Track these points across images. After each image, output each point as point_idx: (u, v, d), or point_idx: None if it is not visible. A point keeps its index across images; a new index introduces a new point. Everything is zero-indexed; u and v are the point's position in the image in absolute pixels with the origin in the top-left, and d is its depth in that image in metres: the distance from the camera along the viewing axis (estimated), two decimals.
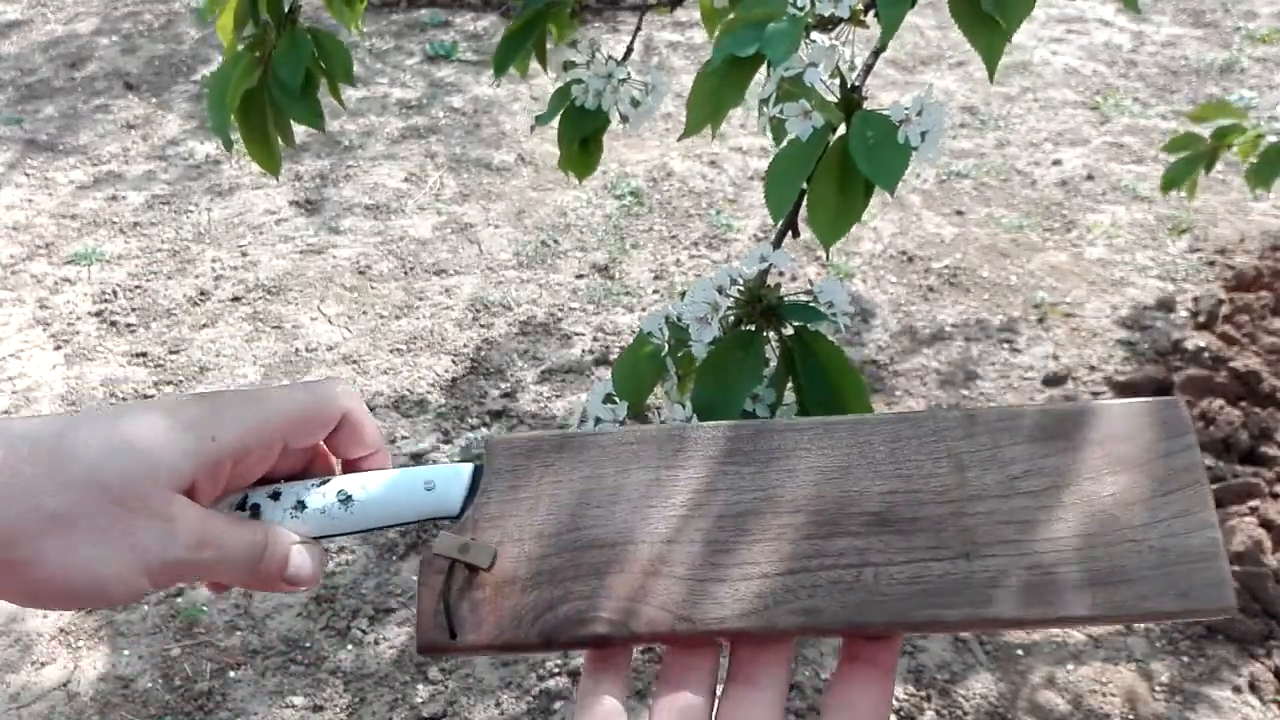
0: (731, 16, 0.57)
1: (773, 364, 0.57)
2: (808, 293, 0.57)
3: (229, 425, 0.43)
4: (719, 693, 0.44)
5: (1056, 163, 3.12)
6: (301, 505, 0.46)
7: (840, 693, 0.42)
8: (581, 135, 0.93)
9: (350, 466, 0.49)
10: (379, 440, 0.48)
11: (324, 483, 0.47)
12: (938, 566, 0.42)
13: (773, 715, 0.41)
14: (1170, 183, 1.82)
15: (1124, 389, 2.20)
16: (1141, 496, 0.42)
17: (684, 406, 0.55)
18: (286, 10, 1.00)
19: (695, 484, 0.44)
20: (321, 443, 0.48)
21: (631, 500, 0.44)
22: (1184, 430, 0.44)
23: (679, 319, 0.55)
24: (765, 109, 0.57)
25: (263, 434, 0.44)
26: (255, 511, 0.46)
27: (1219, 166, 2.60)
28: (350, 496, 0.46)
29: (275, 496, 0.46)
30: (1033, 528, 0.42)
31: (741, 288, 0.56)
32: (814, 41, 0.54)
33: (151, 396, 2.28)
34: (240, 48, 1.00)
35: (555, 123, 0.95)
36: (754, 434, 0.45)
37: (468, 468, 0.46)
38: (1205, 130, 1.83)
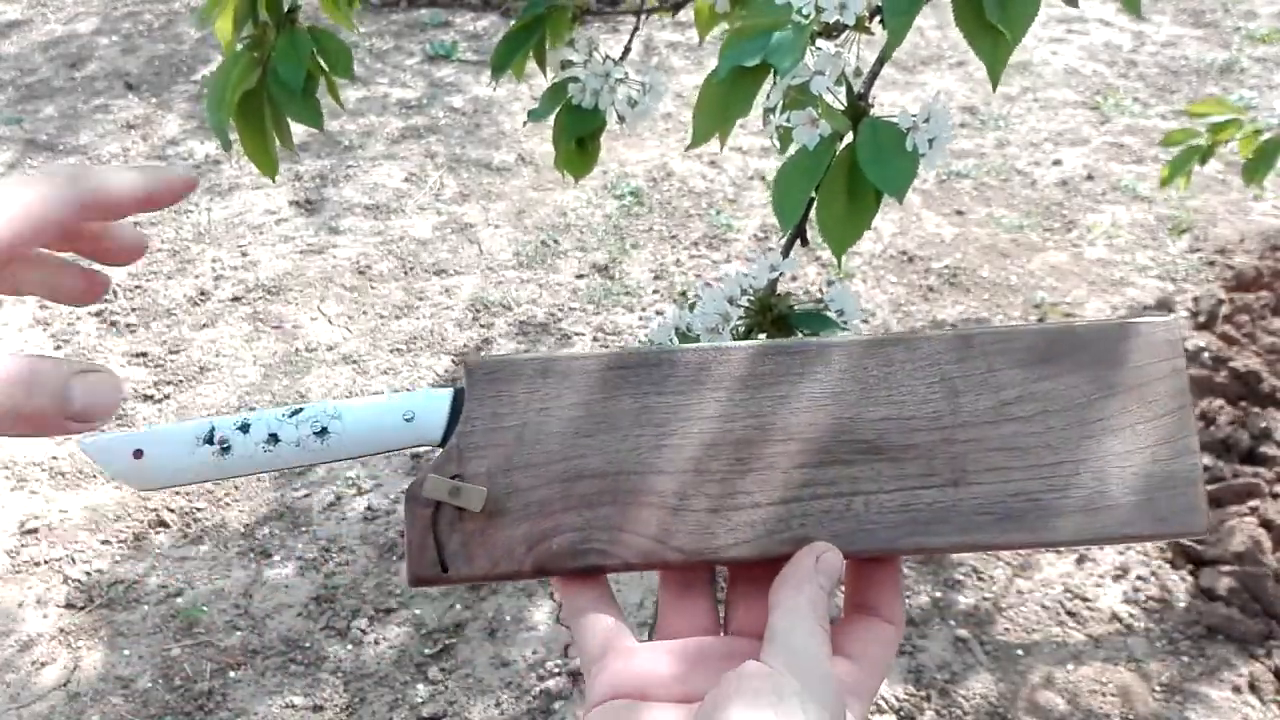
0: (737, 25, 0.57)
1: None
2: (817, 300, 0.57)
3: None
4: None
5: (1056, 163, 3.12)
6: (274, 438, 0.44)
7: (845, 642, 0.42)
8: (578, 135, 0.93)
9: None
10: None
11: (296, 412, 0.45)
12: (927, 494, 0.43)
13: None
14: (1168, 178, 1.83)
15: None
16: (1129, 422, 0.43)
17: None
18: (286, 10, 1.00)
19: (686, 411, 0.43)
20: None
21: (621, 428, 0.43)
22: (1174, 354, 0.44)
23: (689, 329, 0.55)
24: (772, 117, 0.57)
25: (16, 233, 0.35)
26: (225, 446, 0.43)
27: (1219, 167, 2.60)
28: (326, 429, 0.44)
29: (244, 429, 0.44)
30: (1022, 454, 0.43)
31: (752, 297, 0.56)
32: (820, 49, 0.55)
33: (151, 396, 2.28)
34: (239, 48, 1.00)
35: (552, 121, 0.95)
36: (745, 358, 0.44)
37: (447, 394, 0.45)
38: (1202, 126, 1.84)
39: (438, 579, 0.43)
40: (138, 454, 0.44)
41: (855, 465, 0.43)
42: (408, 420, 0.44)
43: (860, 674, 0.41)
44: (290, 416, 0.44)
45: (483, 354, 0.45)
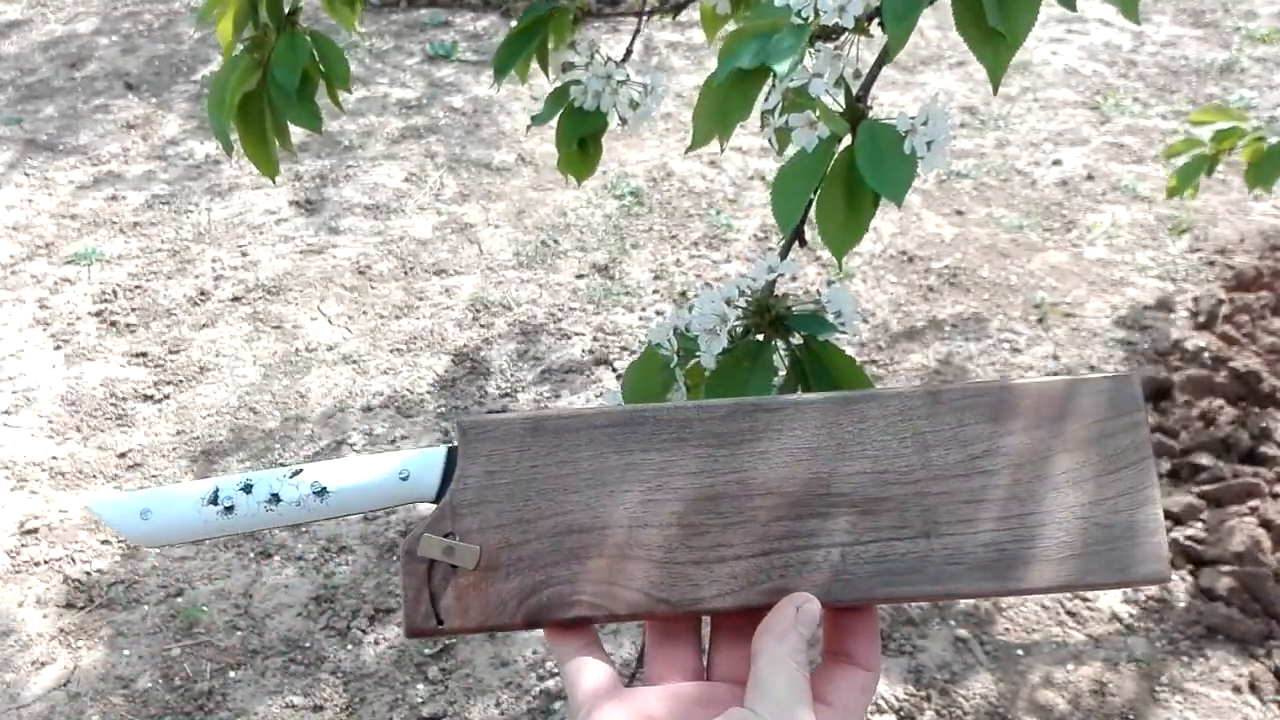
0: (736, 27, 0.57)
1: (781, 374, 0.58)
2: (815, 302, 0.57)
3: None
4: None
5: (1056, 163, 3.12)
6: (275, 498, 0.46)
7: (824, 689, 0.43)
8: (580, 136, 0.93)
9: None
10: None
11: (296, 473, 0.47)
12: (900, 545, 0.44)
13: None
14: (1175, 189, 1.83)
15: None
16: (1091, 474, 0.45)
17: None
18: (286, 12, 1.00)
19: (670, 468, 0.45)
20: None
21: (608, 484, 0.45)
22: (1134, 408, 0.46)
23: (687, 330, 0.55)
24: (771, 120, 0.57)
25: None
26: (228, 507, 0.46)
27: (1220, 167, 2.60)
28: (325, 489, 0.46)
29: (247, 490, 0.46)
30: (990, 507, 0.45)
31: (749, 299, 0.56)
32: (818, 52, 0.55)
33: (151, 396, 2.29)
34: (239, 50, 1.00)
35: (554, 123, 0.95)
36: (725, 416, 0.46)
37: (440, 453, 0.47)
38: (1205, 133, 1.84)
39: (433, 631, 0.45)
40: (145, 515, 0.46)
41: (832, 518, 0.44)
42: (403, 479, 0.46)
43: (839, 718, 0.42)
44: (291, 477, 0.47)
45: (476, 417, 0.47)
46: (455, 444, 0.47)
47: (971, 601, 1.77)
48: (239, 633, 1.76)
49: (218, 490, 0.46)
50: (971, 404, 0.46)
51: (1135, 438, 0.45)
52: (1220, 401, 2.06)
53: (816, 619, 0.43)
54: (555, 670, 1.67)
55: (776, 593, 0.44)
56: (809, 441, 0.45)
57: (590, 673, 0.44)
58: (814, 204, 0.57)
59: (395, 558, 1.88)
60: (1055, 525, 0.44)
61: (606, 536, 0.45)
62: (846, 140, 0.56)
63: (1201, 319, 2.38)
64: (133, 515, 0.46)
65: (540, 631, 1.83)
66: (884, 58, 0.56)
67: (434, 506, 0.46)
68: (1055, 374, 2.27)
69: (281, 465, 2.08)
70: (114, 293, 2.62)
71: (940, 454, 0.45)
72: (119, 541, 1.93)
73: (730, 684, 0.44)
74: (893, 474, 0.45)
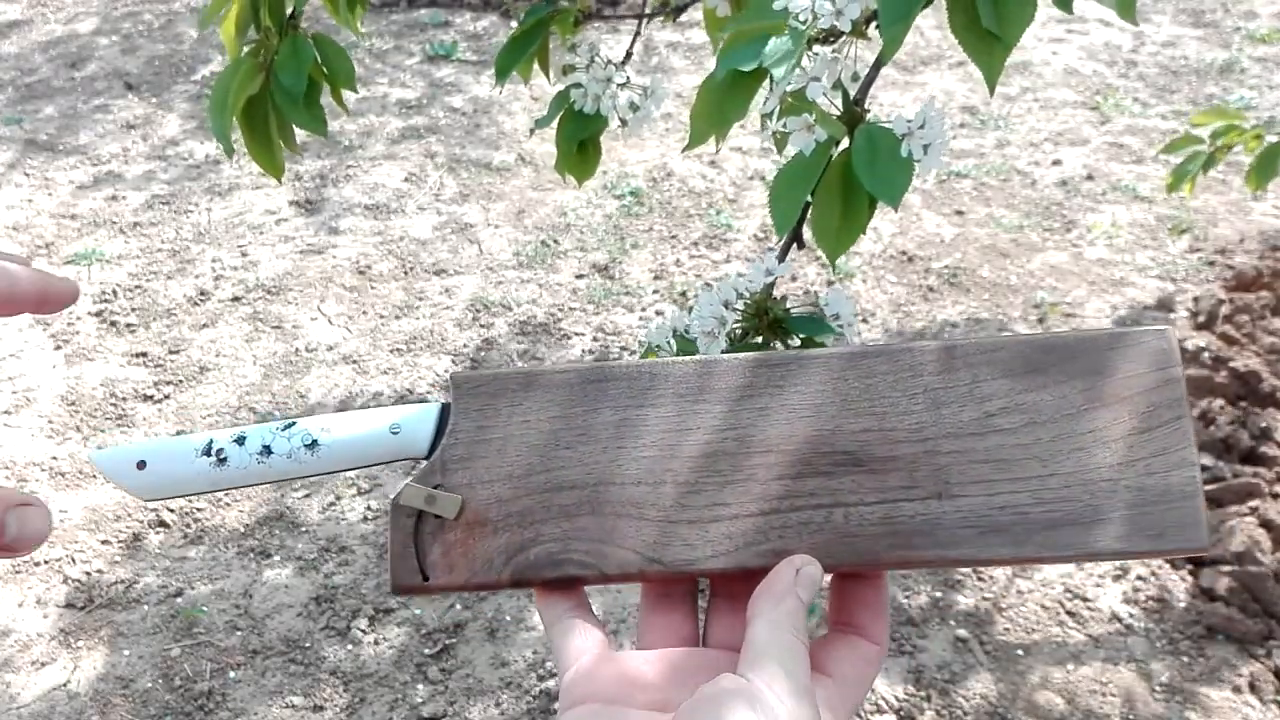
0: (735, 30, 0.57)
1: None
2: (812, 303, 0.57)
3: None
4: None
5: (1056, 163, 3.12)
6: (267, 450, 0.46)
7: (826, 659, 0.41)
8: (579, 138, 0.93)
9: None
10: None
11: (288, 425, 0.46)
12: (909, 507, 0.42)
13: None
14: (1174, 185, 1.83)
15: None
16: (1121, 434, 0.41)
17: None
18: (288, 15, 1.00)
19: (666, 424, 0.43)
20: None
21: (601, 440, 0.44)
22: (1170, 362, 0.42)
23: (686, 332, 0.55)
24: (769, 122, 0.57)
25: None
26: (221, 458, 0.46)
27: (1220, 167, 2.60)
28: (316, 441, 0.46)
29: (240, 441, 0.46)
30: (1007, 467, 0.41)
31: (748, 301, 0.56)
32: (816, 54, 0.55)
33: (151, 396, 2.29)
34: (243, 53, 1.00)
35: (554, 124, 0.95)
36: (724, 372, 0.44)
37: (434, 408, 0.46)
38: (1204, 132, 1.84)
39: (419, 588, 0.44)
40: (141, 465, 0.46)
41: (835, 477, 0.42)
42: (394, 433, 0.46)
43: (840, 690, 0.40)
44: (283, 430, 0.46)
45: (470, 371, 0.45)
46: (449, 401, 0.45)
47: (971, 600, 1.77)
48: (239, 633, 1.76)
49: (211, 441, 0.46)
50: (988, 359, 0.42)
51: (1170, 394, 0.41)
52: (1220, 401, 2.06)
53: (817, 582, 0.41)
54: (555, 670, 1.67)
55: (775, 555, 0.41)
56: (812, 398, 0.43)
57: (578, 635, 0.43)
58: (810, 205, 0.57)
59: None
60: (1080, 487, 0.41)
61: (599, 494, 0.43)
62: (845, 142, 0.56)
63: (1201, 319, 2.38)
64: (130, 466, 0.46)
65: (540, 631, 1.82)
66: (881, 60, 0.56)
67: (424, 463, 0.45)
68: None
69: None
70: (114, 293, 2.62)
71: (953, 411, 0.42)
72: (119, 541, 1.93)
73: (726, 651, 0.42)
74: (901, 431, 0.42)
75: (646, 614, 0.45)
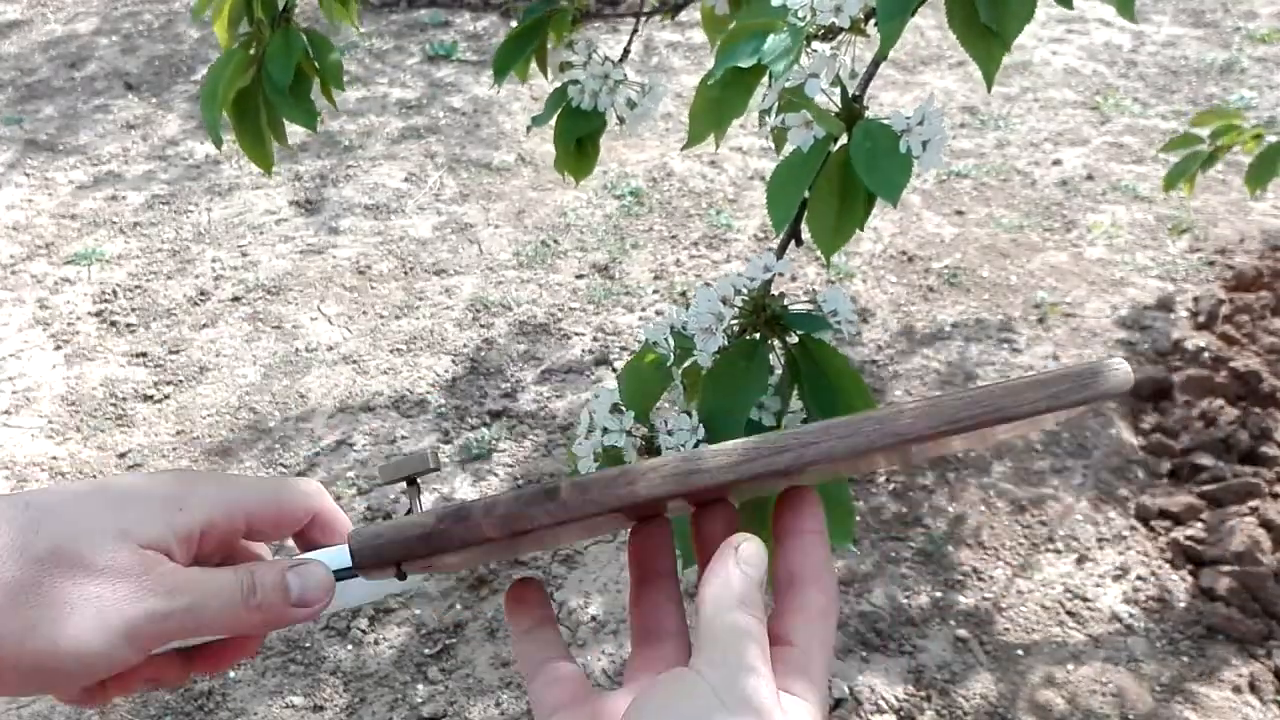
0: (733, 26, 0.57)
1: (778, 372, 0.57)
2: (811, 300, 0.57)
3: (198, 499, 0.42)
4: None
5: (1056, 163, 3.12)
6: None
7: (781, 627, 0.40)
8: (577, 136, 0.93)
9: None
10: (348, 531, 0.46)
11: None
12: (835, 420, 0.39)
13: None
14: (1171, 183, 1.83)
15: None
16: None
17: (690, 415, 0.55)
18: (280, 9, 1.00)
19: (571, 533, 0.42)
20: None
21: (518, 549, 0.43)
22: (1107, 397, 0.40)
23: (683, 329, 0.55)
24: (767, 119, 0.57)
25: (230, 513, 0.43)
26: None
27: (1219, 166, 2.60)
28: None
29: None
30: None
31: (745, 298, 0.56)
32: (815, 51, 0.55)
33: (151, 397, 2.29)
34: (234, 45, 1.01)
35: (553, 123, 0.95)
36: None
37: (343, 559, 0.43)
38: (1204, 132, 1.84)
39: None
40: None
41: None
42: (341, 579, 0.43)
43: (802, 654, 0.39)
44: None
45: (365, 530, 0.41)
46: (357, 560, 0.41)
47: (971, 600, 1.76)
48: None
49: None
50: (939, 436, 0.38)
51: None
52: (1220, 401, 2.06)
53: (759, 556, 0.38)
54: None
55: (701, 474, 0.37)
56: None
57: (557, 676, 0.42)
58: (807, 201, 0.57)
59: None
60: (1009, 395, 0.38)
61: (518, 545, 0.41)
62: (843, 139, 0.56)
63: (1201, 319, 2.38)
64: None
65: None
66: (879, 57, 0.56)
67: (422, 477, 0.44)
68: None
69: (283, 468, 2.08)
70: (114, 293, 2.62)
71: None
72: None
73: None
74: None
75: (635, 650, 0.44)
